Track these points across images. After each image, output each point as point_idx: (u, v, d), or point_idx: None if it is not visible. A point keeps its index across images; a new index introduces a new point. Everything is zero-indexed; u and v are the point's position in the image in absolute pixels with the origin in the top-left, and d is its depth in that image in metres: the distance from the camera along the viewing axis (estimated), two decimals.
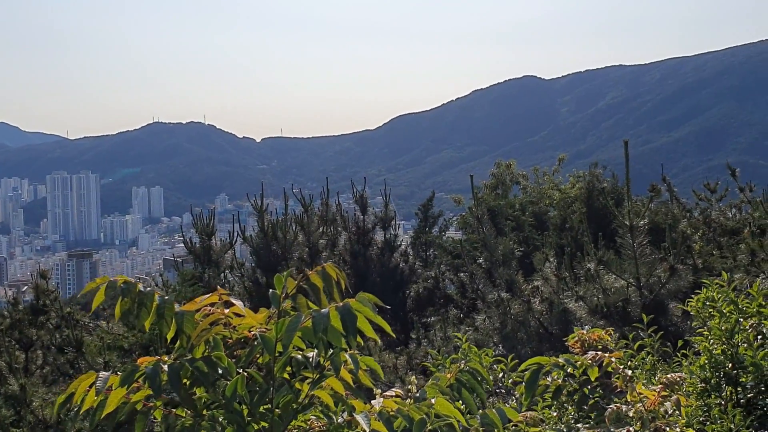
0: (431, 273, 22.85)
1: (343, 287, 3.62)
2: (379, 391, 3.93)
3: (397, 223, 24.55)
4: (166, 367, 3.38)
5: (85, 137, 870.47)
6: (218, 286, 4.57)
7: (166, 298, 3.55)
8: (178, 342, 3.58)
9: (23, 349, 24.83)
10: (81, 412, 3.39)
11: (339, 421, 3.63)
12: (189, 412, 3.51)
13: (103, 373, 3.43)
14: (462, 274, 19.95)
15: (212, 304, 3.66)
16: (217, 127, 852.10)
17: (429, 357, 14.37)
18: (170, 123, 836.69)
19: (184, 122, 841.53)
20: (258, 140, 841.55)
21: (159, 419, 3.58)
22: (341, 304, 3.43)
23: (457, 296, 21.78)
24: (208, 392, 3.48)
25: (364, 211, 24.52)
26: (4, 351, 21.00)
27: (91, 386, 3.47)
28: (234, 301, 3.62)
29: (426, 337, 16.64)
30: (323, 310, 3.42)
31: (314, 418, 3.73)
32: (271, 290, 3.58)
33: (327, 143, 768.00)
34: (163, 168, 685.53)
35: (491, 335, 13.37)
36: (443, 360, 6.85)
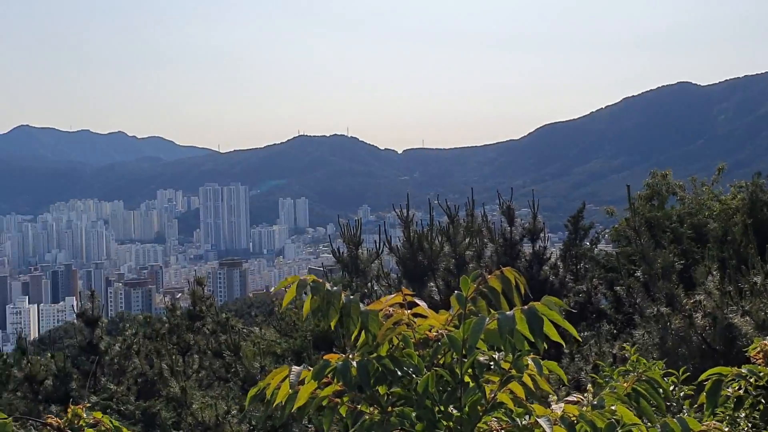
0: (583, 287, 22.31)
1: (523, 291, 3.61)
2: (555, 397, 3.88)
3: (546, 235, 24.10)
4: (355, 364, 3.46)
5: (235, 150, 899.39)
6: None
7: (352, 297, 3.64)
8: (360, 340, 3.66)
9: (181, 354, 25.82)
10: (274, 404, 3.50)
11: (521, 424, 3.61)
12: (375, 408, 3.57)
13: (296, 367, 3.54)
14: (618, 288, 19.39)
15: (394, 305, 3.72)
16: (360, 139, 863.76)
17: (582, 372, 14.08)
18: (315, 136, 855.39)
19: (328, 135, 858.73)
20: (400, 151, 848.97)
21: (344, 414, 3.65)
22: (526, 307, 3.42)
23: (610, 311, 21.21)
24: (399, 389, 3.53)
25: (512, 222, 24.16)
26: (166, 354, 21.88)
27: (282, 380, 3.58)
28: (418, 302, 3.68)
29: (579, 351, 16.30)
30: (508, 312, 3.42)
31: (494, 420, 3.72)
32: (456, 292, 3.61)
33: (470, 154, 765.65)
34: (307, 179, 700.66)
35: (650, 351, 12.97)
36: (611, 372, 6.74)
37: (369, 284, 24.10)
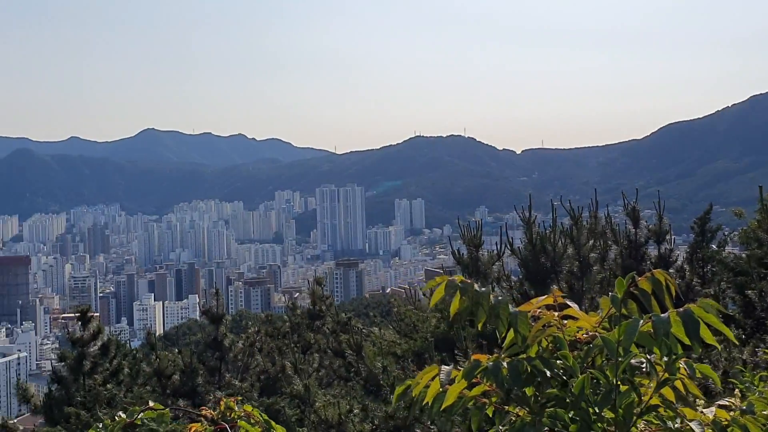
0: (710, 290, 21.63)
1: (674, 293, 3.54)
2: (702, 401, 3.79)
3: (672, 237, 23.46)
4: (505, 364, 3.45)
5: (351, 152, 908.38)
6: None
7: (500, 298, 3.63)
8: (507, 341, 3.65)
9: (301, 352, 26.22)
10: (423, 403, 3.53)
11: (673, 427, 3.54)
12: (522, 409, 3.56)
13: (445, 367, 3.56)
14: (749, 292, 18.69)
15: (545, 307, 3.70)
16: (477, 139, 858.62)
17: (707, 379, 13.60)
18: (431, 137, 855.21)
19: (444, 135, 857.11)
20: (518, 152, 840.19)
21: (491, 415, 3.65)
22: (681, 309, 3.35)
23: (739, 316, 20.49)
24: (552, 390, 3.51)
25: (636, 224, 23.58)
26: (288, 352, 22.27)
27: (432, 380, 3.61)
28: (569, 303, 3.64)
29: (707, 357, 15.81)
30: (663, 315, 3.36)
31: (643, 422, 3.65)
32: (610, 294, 3.57)
33: (590, 154, 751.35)
34: (423, 181, 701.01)
35: None
36: (751, 377, 6.54)
37: (490, 286, 23.95)
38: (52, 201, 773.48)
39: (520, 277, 24.43)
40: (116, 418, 3.68)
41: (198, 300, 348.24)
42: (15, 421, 32.45)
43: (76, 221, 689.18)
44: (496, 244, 25.02)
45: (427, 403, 3.59)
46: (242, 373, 25.02)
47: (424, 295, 24.42)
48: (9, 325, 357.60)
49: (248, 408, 4.02)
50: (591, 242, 24.18)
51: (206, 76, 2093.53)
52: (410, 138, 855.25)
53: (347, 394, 18.65)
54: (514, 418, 3.48)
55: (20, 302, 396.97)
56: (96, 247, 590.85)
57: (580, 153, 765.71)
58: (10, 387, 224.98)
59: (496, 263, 24.87)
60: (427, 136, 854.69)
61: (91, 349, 26.27)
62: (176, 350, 26.56)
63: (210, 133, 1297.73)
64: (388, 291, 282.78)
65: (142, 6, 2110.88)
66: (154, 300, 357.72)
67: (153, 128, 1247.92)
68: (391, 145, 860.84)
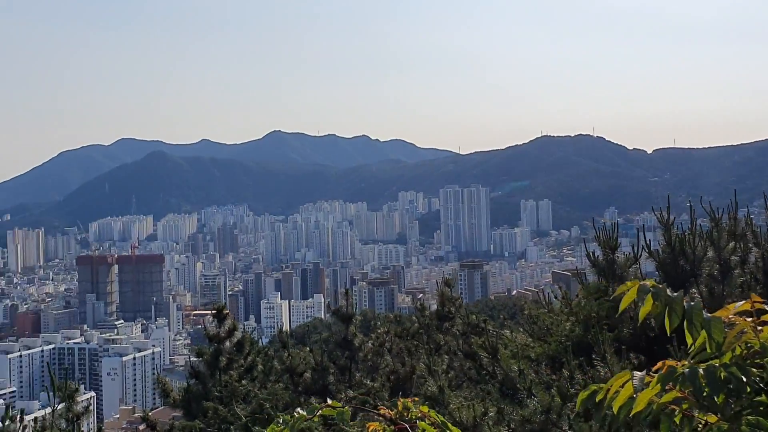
0: None
1: None
2: None
3: None
4: (701, 371, 3.35)
5: (475, 152, 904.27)
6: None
7: (693, 303, 3.53)
8: (696, 346, 3.55)
9: (428, 353, 26.21)
10: (615, 408, 3.46)
11: None
12: (710, 416, 3.44)
13: (638, 373, 3.48)
14: None
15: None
16: (606, 138, 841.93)
17: None
18: (558, 136, 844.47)
19: (572, 135, 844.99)
20: (649, 151, 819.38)
21: (677, 422, 3.55)
22: None
23: None
24: (760, 398, 3.38)
25: None
26: (421, 353, 22.32)
27: (622, 385, 3.53)
28: None
29: None
30: None
31: None
32: None
33: (724, 154, 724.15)
34: (550, 181, 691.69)
35: None
36: None
37: (681, 291, 23.34)
38: (185, 201, 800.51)
39: (657, 280, 23.84)
40: (295, 414, 3.75)
41: (323, 299, 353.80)
42: (150, 413, 33.66)
43: (206, 221, 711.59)
44: (633, 246, 24.50)
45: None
46: (372, 372, 25.21)
47: (555, 297, 24.09)
48: (144, 321, 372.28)
49: (425, 409, 4.03)
50: (732, 244, 23.42)
51: (331, 78, 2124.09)
52: (537, 138, 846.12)
53: (480, 396, 18.55)
54: (700, 426, 3.37)
55: (154, 299, 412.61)
56: (225, 246, 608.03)
57: (713, 152, 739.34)
58: (145, 380, 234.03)
59: (633, 266, 24.36)
60: (554, 136, 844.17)
61: (227, 346, 26.96)
62: (307, 348, 26.98)
63: (334, 134, 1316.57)
64: (513, 293, 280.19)
65: (268, 10, 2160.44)
66: (281, 299, 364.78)
67: (279, 130, 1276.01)
68: (517, 145, 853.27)
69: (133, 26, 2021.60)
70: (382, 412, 3.88)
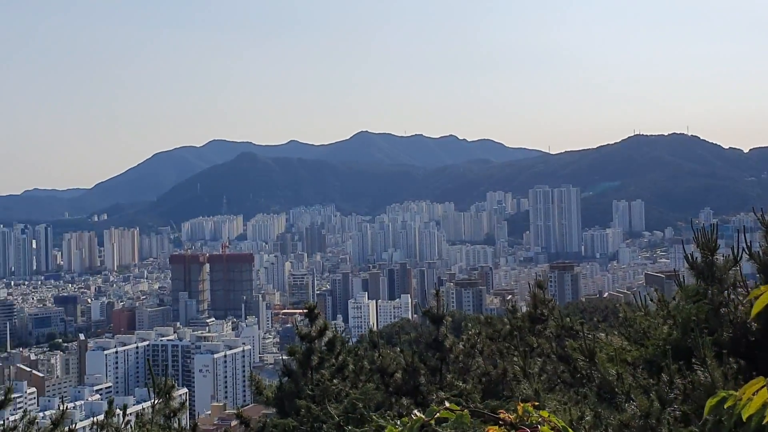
0: None
1: None
2: None
3: None
4: None
5: (565, 152, 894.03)
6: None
7: None
8: None
9: (521, 356, 25.92)
10: (744, 416, 3.33)
11: None
12: None
13: None
14: None
15: None
16: (701, 137, 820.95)
17: None
18: (651, 135, 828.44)
19: (665, 134, 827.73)
20: (746, 150, 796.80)
21: None
22: None
23: None
24: None
25: None
26: (516, 355, 22.11)
27: (756, 392, 3.40)
28: None
29: None
30: None
31: None
32: None
33: None
34: (643, 181, 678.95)
35: None
36: None
37: (725, 293, 22.78)
38: (273, 202, 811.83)
39: (758, 283, 23.10)
40: (413, 416, 3.71)
41: (410, 299, 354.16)
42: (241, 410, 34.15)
43: (294, 221, 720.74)
44: (731, 248, 23.81)
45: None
46: (463, 374, 25.08)
47: (650, 300, 23.59)
48: (235, 319, 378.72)
49: (545, 414, 3.95)
50: None
51: (417, 78, 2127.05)
52: (629, 137, 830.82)
53: (576, 399, 18.27)
54: None
55: (244, 297, 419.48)
56: (313, 246, 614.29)
57: None
58: (236, 378, 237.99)
59: (732, 268, 23.67)
60: (647, 135, 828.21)
61: (318, 345, 27.18)
62: (397, 349, 27.02)
63: (421, 134, 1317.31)
64: (605, 296, 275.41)
65: (356, 10, 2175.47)
66: (368, 298, 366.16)
67: (366, 131, 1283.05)
68: (608, 145, 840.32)
69: (225, 30, 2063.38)
70: (502, 416, 3.81)
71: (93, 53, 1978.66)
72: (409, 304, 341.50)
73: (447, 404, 4.13)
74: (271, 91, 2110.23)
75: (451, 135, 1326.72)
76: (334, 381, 26.37)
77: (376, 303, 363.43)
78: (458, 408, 3.83)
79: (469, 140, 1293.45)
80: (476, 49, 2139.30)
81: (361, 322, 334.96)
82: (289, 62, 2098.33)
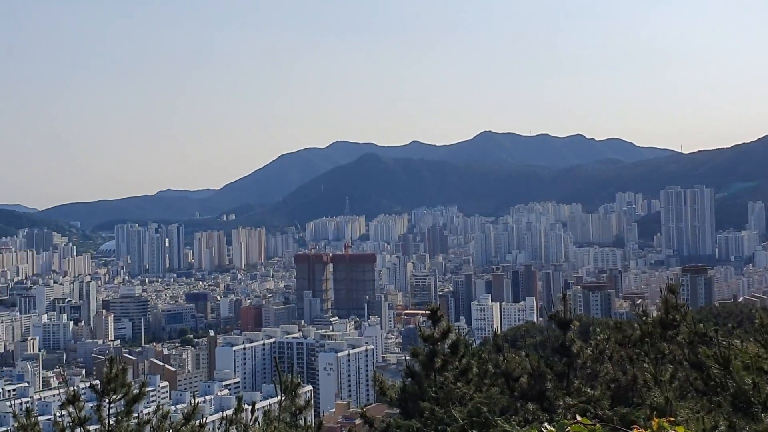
0: None
1: None
2: None
3: None
4: None
5: (699, 151, 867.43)
6: None
7: None
8: None
9: (652, 362, 25.23)
10: None
11: None
12: None
13: None
14: None
15: None
16: None
17: None
18: None
19: None
20: None
21: None
22: None
23: None
24: None
25: None
26: (647, 361, 21.55)
27: None
28: None
29: None
30: None
31: None
32: None
33: None
34: None
35: None
36: None
37: None
38: (395, 202, 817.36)
39: None
40: (543, 430, 3.62)
41: (535, 302, 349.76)
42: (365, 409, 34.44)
43: (416, 222, 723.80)
44: None
45: None
46: (590, 380, 24.61)
47: (752, 308, 22.68)
48: (357, 319, 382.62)
49: (681, 429, 3.80)
50: None
51: (542, 77, 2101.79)
52: (766, 135, 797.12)
53: (707, 408, 17.69)
54: None
55: (367, 297, 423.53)
56: (435, 246, 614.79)
57: None
58: (359, 376, 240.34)
59: None
60: None
61: (441, 347, 27.14)
62: (523, 353, 26.74)
63: (547, 134, 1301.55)
64: (740, 300, 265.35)
65: (478, 12, 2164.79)
66: (491, 300, 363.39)
67: (490, 131, 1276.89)
68: (744, 143, 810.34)
69: (347, 33, 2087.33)
70: (635, 430, 3.68)
71: (225, 59, 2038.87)
72: (534, 307, 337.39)
73: (574, 411, 4.01)
74: (394, 92, 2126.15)
75: (578, 134, 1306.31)
76: (458, 384, 26.29)
77: (500, 305, 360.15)
78: (590, 422, 3.72)
79: (597, 139, 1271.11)
80: (604, 46, 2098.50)
81: (484, 324, 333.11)
82: (411, 63, 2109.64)
